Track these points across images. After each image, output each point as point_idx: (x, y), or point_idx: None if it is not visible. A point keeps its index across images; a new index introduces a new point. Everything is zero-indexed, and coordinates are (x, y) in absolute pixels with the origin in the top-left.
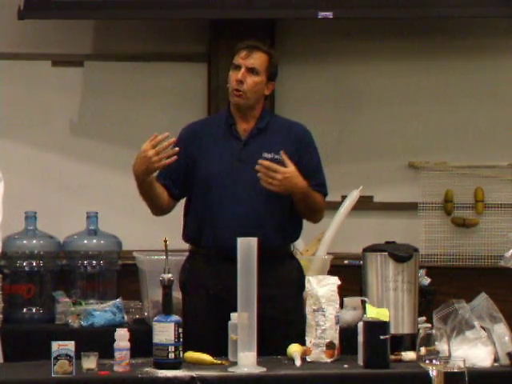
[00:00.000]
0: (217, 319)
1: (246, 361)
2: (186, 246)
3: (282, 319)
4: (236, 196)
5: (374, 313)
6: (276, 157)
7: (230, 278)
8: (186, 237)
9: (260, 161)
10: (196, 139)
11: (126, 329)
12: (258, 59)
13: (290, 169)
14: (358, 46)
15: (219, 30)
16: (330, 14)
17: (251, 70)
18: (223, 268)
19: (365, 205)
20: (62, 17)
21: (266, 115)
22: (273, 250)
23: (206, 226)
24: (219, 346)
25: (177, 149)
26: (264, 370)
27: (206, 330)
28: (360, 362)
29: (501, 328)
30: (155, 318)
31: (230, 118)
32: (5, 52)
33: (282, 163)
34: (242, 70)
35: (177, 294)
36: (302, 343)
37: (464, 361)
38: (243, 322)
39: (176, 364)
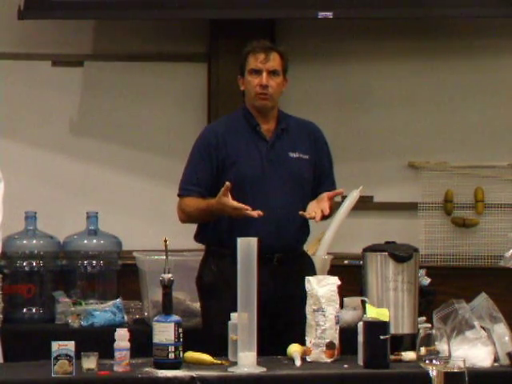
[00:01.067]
0: None
1: (246, 361)
2: (186, 246)
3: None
4: (269, 197)
5: (373, 313)
6: (300, 156)
7: (264, 278)
8: (203, 237)
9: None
10: (222, 142)
11: (125, 329)
12: (276, 60)
13: (326, 208)
14: (358, 46)
15: (219, 30)
16: (330, 14)
17: (273, 73)
18: (259, 269)
19: (365, 205)
20: (62, 17)
21: (282, 115)
22: (301, 248)
23: (240, 228)
24: None
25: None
26: (264, 369)
27: None
28: (360, 361)
29: (501, 328)
30: (155, 318)
31: (252, 119)
32: (5, 52)
33: (306, 162)
34: (264, 74)
35: (177, 294)
36: (302, 343)
37: (464, 361)
38: (243, 321)
39: (176, 364)
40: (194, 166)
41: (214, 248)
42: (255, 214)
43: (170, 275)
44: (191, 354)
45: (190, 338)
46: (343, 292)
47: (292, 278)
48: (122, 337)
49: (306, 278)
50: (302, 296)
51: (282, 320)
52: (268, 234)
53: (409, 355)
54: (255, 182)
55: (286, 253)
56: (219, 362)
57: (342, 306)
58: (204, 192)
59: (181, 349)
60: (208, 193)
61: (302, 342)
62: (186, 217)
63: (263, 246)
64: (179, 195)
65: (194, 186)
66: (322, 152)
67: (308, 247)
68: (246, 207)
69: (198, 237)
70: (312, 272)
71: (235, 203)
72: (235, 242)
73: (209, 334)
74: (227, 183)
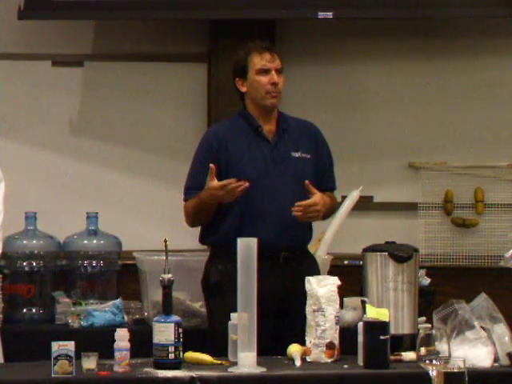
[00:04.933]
0: None
1: (246, 361)
2: (186, 246)
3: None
4: (274, 197)
5: (373, 313)
6: (303, 155)
7: (271, 277)
8: (207, 239)
9: (296, 206)
10: (224, 144)
11: (125, 329)
12: (278, 59)
13: (318, 195)
14: (357, 46)
15: (219, 30)
16: (330, 14)
17: (279, 71)
18: (265, 268)
19: (365, 205)
20: (62, 17)
21: (282, 115)
22: (306, 247)
23: (246, 229)
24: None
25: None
26: (264, 370)
27: None
28: (360, 362)
29: (501, 328)
30: (155, 318)
31: (253, 121)
32: (5, 52)
33: (308, 161)
34: (273, 72)
35: (177, 295)
36: (302, 343)
37: (464, 361)
38: (243, 321)
39: (176, 364)
40: (197, 170)
41: (220, 249)
42: (242, 185)
43: (169, 275)
44: (191, 354)
45: (190, 338)
46: (343, 292)
47: (298, 277)
48: (121, 337)
49: (306, 277)
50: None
51: (288, 319)
52: (274, 234)
53: (409, 355)
54: (259, 183)
55: (292, 251)
56: (219, 362)
57: (341, 306)
58: None
59: (181, 349)
60: None
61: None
62: (191, 220)
63: (270, 245)
64: (184, 200)
65: (198, 190)
66: (323, 152)
67: (308, 247)
68: (231, 181)
69: (203, 238)
70: (317, 271)
71: (219, 182)
72: (234, 241)
73: (215, 333)
74: (211, 166)
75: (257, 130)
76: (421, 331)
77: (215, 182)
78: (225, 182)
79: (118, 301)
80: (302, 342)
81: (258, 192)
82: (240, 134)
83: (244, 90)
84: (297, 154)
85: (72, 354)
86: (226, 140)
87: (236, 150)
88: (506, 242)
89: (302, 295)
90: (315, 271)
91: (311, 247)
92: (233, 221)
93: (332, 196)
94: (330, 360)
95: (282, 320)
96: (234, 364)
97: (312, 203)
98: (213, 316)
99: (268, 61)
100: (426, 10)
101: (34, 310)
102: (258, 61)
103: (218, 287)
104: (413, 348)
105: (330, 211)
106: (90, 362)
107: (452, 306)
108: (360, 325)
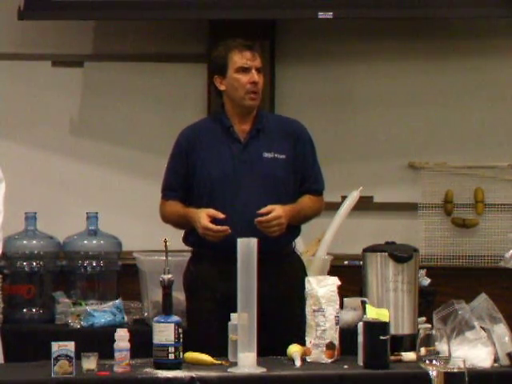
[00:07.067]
0: (222, 320)
1: (246, 361)
2: (186, 246)
3: (288, 317)
4: (240, 197)
5: (373, 313)
6: (276, 156)
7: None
8: (189, 240)
9: (256, 220)
10: (195, 145)
11: (126, 329)
12: (259, 58)
13: (277, 211)
14: (357, 46)
15: (219, 30)
16: (330, 14)
17: (259, 70)
18: (231, 269)
19: (365, 205)
20: (62, 17)
21: (262, 115)
22: (280, 248)
23: None
24: (225, 346)
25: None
26: (264, 370)
27: (212, 330)
28: (360, 362)
29: (501, 328)
30: (155, 319)
31: (226, 120)
32: (5, 52)
33: (282, 162)
34: (253, 71)
35: (177, 295)
36: (302, 343)
37: (464, 361)
38: (243, 322)
39: (176, 364)
40: (170, 170)
41: (195, 250)
42: (223, 233)
43: (169, 276)
44: (191, 354)
45: (190, 338)
46: (343, 292)
47: (276, 279)
48: (121, 337)
49: (306, 278)
50: (288, 296)
51: (265, 320)
52: (244, 235)
53: (409, 356)
54: (226, 184)
55: (265, 253)
56: (219, 362)
57: (341, 306)
58: (183, 195)
59: (181, 349)
60: (186, 196)
61: (287, 341)
62: (165, 220)
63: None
64: (162, 198)
65: (172, 191)
66: (304, 150)
67: (308, 248)
68: (217, 228)
69: (185, 239)
70: (300, 272)
71: (207, 224)
72: (212, 243)
73: (191, 334)
74: (222, 216)
75: (228, 130)
76: (421, 331)
77: (206, 222)
78: (210, 226)
79: (118, 301)
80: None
81: (226, 193)
82: (211, 134)
83: (222, 88)
84: (269, 155)
85: (72, 354)
86: (195, 140)
87: (204, 150)
88: (506, 241)
89: (284, 297)
90: (299, 273)
91: (311, 247)
92: None
93: (314, 199)
94: (330, 360)
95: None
96: (234, 364)
97: (275, 217)
98: (188, 317)
99: (248, 59)
100: (426, 10)
101: (34, 310)
102: (239, 59)
103: (190, 289)
104: (413, 348)
105: (309, 215)
106: (89, 362)
107: (452, 306)
108: (360, 325)
